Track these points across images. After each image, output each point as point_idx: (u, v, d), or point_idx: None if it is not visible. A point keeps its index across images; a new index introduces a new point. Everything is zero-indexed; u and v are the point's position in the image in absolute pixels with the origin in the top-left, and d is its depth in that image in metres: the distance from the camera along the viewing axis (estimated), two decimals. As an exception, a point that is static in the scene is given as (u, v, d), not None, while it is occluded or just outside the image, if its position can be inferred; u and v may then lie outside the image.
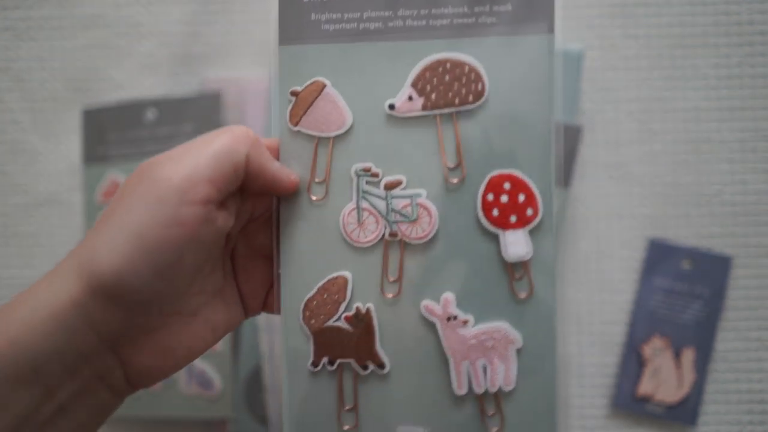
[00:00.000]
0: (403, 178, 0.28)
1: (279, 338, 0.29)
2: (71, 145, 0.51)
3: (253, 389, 0.46)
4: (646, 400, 0.48)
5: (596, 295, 0.50)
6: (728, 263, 0.48)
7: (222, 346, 0.48)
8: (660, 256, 0.49)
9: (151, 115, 0.49)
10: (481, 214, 0.28)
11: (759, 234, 0.49)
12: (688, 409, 0.48)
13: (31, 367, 0.23)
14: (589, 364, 0.49)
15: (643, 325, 0.49)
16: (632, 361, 0.49)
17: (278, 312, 0.30)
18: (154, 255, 0.24)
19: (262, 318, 0.46)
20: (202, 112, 0.48)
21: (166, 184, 0.24)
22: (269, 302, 0.30)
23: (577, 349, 0.49)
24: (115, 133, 0.49)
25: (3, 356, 0.23)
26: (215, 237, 0.26)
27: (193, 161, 0.25)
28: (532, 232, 0.28)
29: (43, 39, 0.51)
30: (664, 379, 0.48)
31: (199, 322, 0.27)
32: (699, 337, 0.48)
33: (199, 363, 0.48)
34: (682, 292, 0.49)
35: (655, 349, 0.48)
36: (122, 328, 0.25)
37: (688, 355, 0.48)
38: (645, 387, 0.48)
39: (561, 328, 0.28)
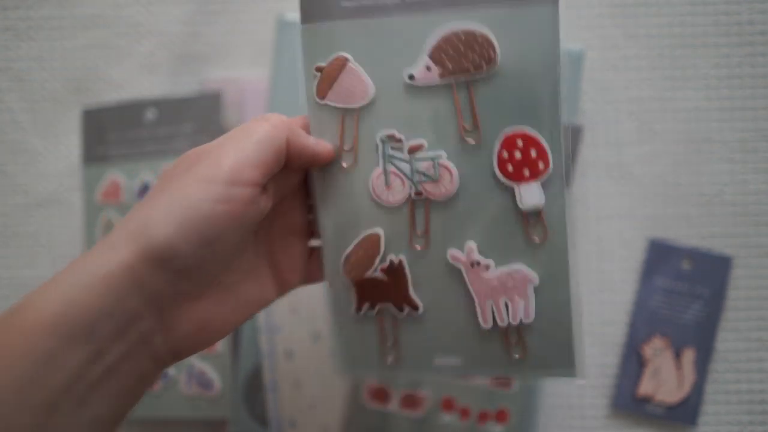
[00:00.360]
0: (424, 141, 0.31)
1: (324, 291, 0.33)
2: (71, 145, 0.51)
3: (252, 389, 0.46)
4: (646, 400, 0.48)
5: (596, 295, 0.50)
6: (728, 263, 0.48)
7: (222, 346, 0.48)
8: (660, 256, 0.49)
9: (150, 115, 0.49)
10: (497, 170, 0.30)
11: (759, 234, 0.49)
12: (688, 409, 0.48)
13: (85, 327, 0.25)
14: (589, 365, 0.49)
15: (643, 326, 0.49)
16: (632, 362, 0.49)
17: (321, 280, 0.34)
18: (203, 227, 0.27)
19: (262, 318, 0.46)
20: (202, 112, 0.48)
21: (216, 167, 0.27)
22: (310, 273, 0.34)
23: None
24: (114, 133, 0.49)
25: (60, 316, 0.24)
26: (256, 218, 0.29)
27: (239, 148, 0.28)
28: (544, 184, 0.30)
29: (43, 39, 0.51)
30: (665, 379, 0.48)
31: (234, 298, 0.31)
32: (699, 337, 0.48)
33: (199, 363, 0.48)
34: (683, 292, 0.49)
35: (656, 350, 0.48)
36: (167, 292, 0.27)
37: (689, 356, 0.48)
38: (645, 387, 0.48)
39: (574, 268, 0.31)
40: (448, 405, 0.43)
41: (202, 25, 0.51)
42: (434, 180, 0.31)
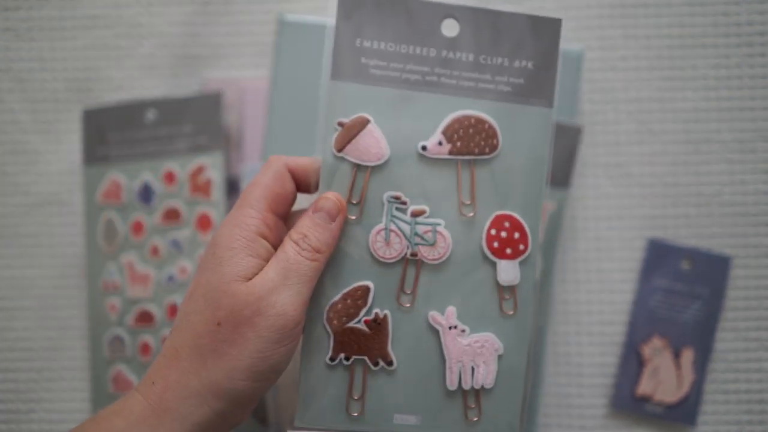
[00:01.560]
0: (426, 208, 0.34)
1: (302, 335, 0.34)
2: (72, 145, 0.51)
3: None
4: (645, 400, 0.48)
5: (596, 295, 0.50)
6: (727, 263, 0.49)
7: None
8: (659, 256, 0.49)
9: (151, 115, 0.49)
10: (484, 244, 0.34)
11: (758, 234, 0.49)
12: (687, 409, 0.48)
13: None
14: (588, 364, 0.49)
15: (642, 325, 0.49)
16: (632, 361, 0.49)
17: None
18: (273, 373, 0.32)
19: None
20: (202, 112, 0.48)
21: (282, 317, 0.31)
22: None
23: (576, 349, 0.49)
24: (115, 134, 0.49)
25: None
26: None
27: (297, 292, 0.31)
28: (521, 263, 0.34)
29: (43, 39, 0.51)
30: (664, 379, 0.48)
31: None
32: (698, 337, 0.48)
33: None
34: (682, 292, 0.49)
35: (655, 349, 0.48)
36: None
37: (688, 356, 0.48)
38: (644, 387, 0.48)
39: (532, 339, 0.35)
40: None
41: (203, 26, 0.51)
42: (430, 244, 0.33)
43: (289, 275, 0.31)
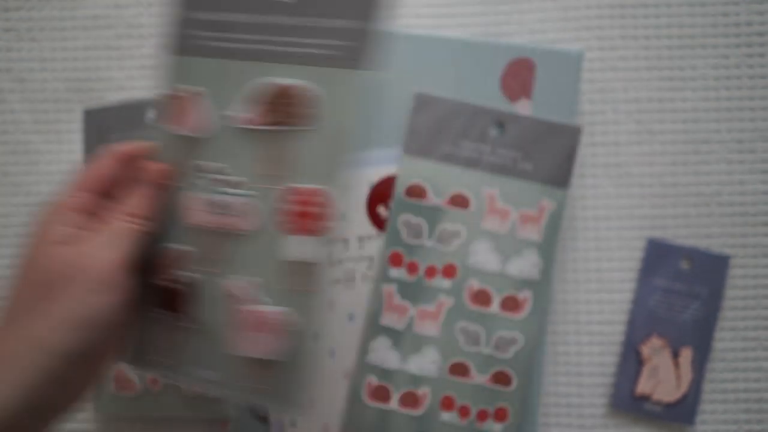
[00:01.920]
0: (243, 180, 0.35)
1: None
2: (73, 145, 0.52)
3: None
4: (644, 399, 0.49)
5: (594, 295, 0.50)
6: (726, 263, 0.49)
7: None
8: (659, 255, 0.49)
9: (152, 115, 0.49)
10: (281, 219, 0.35)
11: (757, 234, 0.49)
12: (686, 408, 0.48)
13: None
14: (587, 364, 0.49)
15: (641, 325, 0.49)
16: (630, 361, 0.49)
17: None
18: None
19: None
20: None
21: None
22: None
23: (576, 349, 0.50)
24: (116, 134, 0.49)
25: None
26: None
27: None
28: (319, 239, 0.34)
29: (44, 40, 0.52)
30: (663, 378, 0.48)
31: None
32: (697, 336, 0.49)
33: None
34: (681, 291, 0.49)
35: (654, 349, 0.49)
36: None
37: (686, 355, 0.49)
38: (643, 386, 0.49)
39: (321, 317, 0.35)
40: (447, 403, 0.44)
41: (203, 26, 0.51)
42: (240, 215, 0.35)
43: (105, 235, 0.33)
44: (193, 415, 0.48)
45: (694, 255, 0.49)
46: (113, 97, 0.51)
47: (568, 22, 0.50)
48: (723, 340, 0.49)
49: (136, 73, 0.51)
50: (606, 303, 0.50)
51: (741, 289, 0.49)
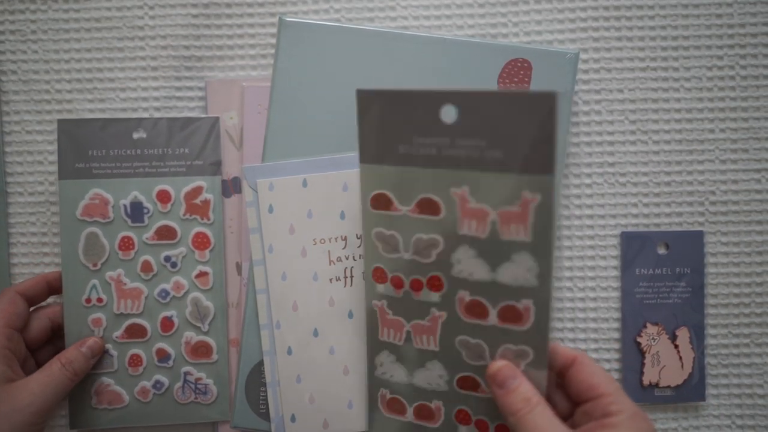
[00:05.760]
0: None
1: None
2: (76, 145, 0.52)
3: (254, 385, 0.47)
4: (652, 387, 0.49)
5: (589, 293, 0.51)
6: (701, 237, 0.50)
7: (217, 355, 0.49)
8: (634, 246, 0.50)
9: (141, 133, 0.49)
10: None
11: (754, 233, 0.50)
12: (694, 386, 0.50)
13: None
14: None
15: (633, 316, 0.50)
16: (632, 353, 0.50)
17: None
18: None
19: (264, 315, 0.47)
20: (199, 135, 0.50)
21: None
22: None
23: (576, 348, 0.50)
24: (98, 150, 0.49)
25: None
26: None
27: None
28: None
29: (48, 41, 0.52)
30: (666, 363, 0.49)
31: None
32: (689, 315, 0.50)
33: (197, 372, 0.49)
34: (665, 275, 0.50)
35: (650, 336, 0.49)
36: None
37: (683, 335, 0.49)
38: (649, 375, 0.49)
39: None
40: (462, 417, 0.41)
41: (204, 28, 0.52)
42: None
43: (48, 386, 0.43)
44: (187, 422, 0.50)
45: (669, 237, 0.50)
46: (113, 97, 0.52)
47: (564, 24, 0.51)
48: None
49: (138, 74, 0.52)
50: (600, 300, 0.51)
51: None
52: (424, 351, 0.41)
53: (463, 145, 0.36)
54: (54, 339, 0.50)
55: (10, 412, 0.42)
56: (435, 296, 0.39)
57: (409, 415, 0.43)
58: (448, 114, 0.36)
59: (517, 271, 0.36)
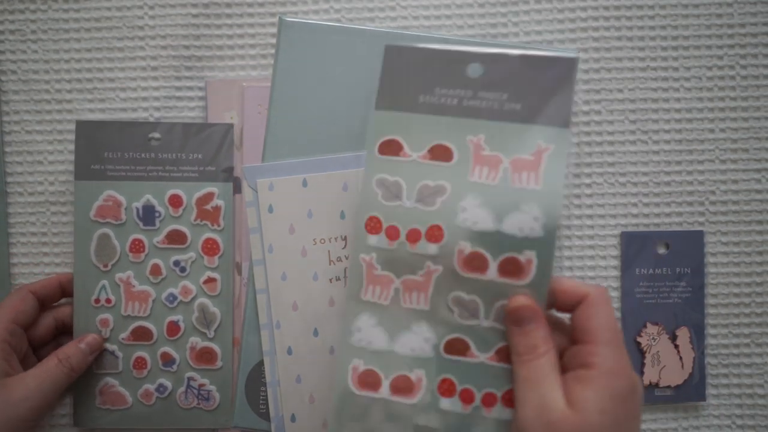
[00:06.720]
0: None
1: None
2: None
3: (254, 385, 0.47)
4: (653, 387, 0.49)
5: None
6: (701, 237, 0.50)
7: (221, 361, 0.50)
8: (634, 246, 0.50)
9: (155, 137, 0.49)
10: None
11: (754, 233, 0.50)
12: (694, 386, 0.50)
13: None
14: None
15: (633, 316, 0.50)
16: (632, 353, 0.50)
17: None
18: None
19: (263, 315, 0.47)
20: (211, 142, 0.50)
21: None
22: None
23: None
24: (113, 153, 0.49)
25: None
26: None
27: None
28: None
29: (48, 41, 0.52)
30: (666, 363, 0.49)
31: None
32: (689, 315, 0.49)
33: (200, 378, 0.49)
34: (665, 275, 0.50)
35: (651, 336, 0.49)
36: None
37: (684, 335, 0.49)
38: (649, 375, 0.49)
39: None
40: (446, 388, 0.38)
41: (205, 28, 0.52)
42: None
43: (45, 381, 0.44)
44: (190, 427, 0.50)
45: (669, 237, 0.50)
46: (114, 96, 0.52)
47: (564, 24, 0.51)
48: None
49: (138, 74, 0.52)
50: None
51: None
52: (412, 311, 0.39)
53: (485, 97, 0.38)
54: (58, 337, 0.50)
55: (5, 405, 0.42)
56: (433, 248, 0.38)
57: (384, 390, 0.39)
58: (474, 70, 0.39)
59: (524, 220, 0.37)
